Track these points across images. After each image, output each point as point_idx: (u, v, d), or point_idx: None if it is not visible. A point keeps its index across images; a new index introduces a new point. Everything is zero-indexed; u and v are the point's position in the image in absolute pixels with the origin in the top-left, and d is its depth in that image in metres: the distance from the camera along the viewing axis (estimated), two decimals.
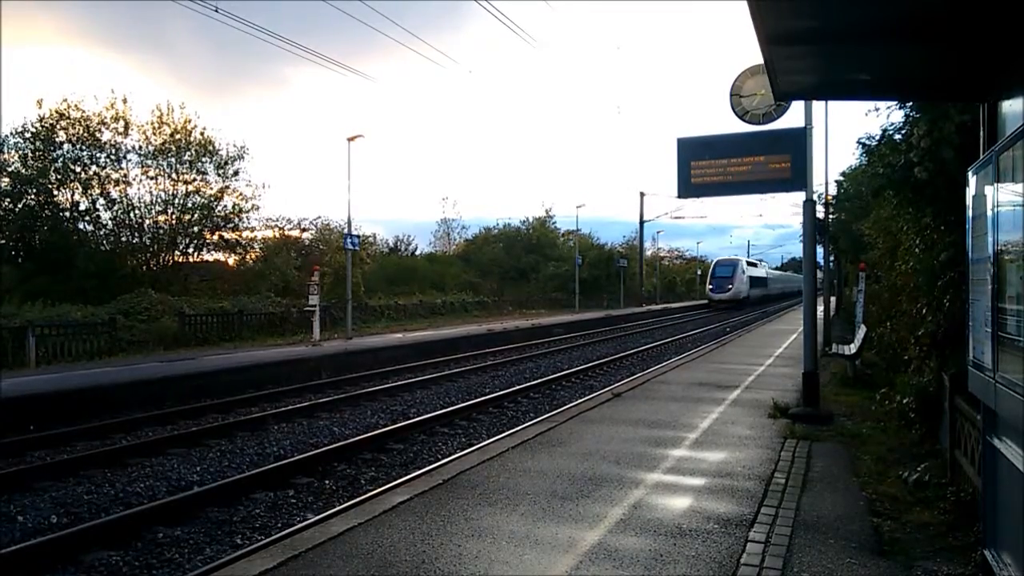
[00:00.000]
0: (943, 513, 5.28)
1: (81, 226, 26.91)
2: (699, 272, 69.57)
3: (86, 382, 12.07)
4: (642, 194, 53.03)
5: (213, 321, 21.59)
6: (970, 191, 4.22)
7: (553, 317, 34.02)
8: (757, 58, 8.97)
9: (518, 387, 13.61)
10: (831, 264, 27.74)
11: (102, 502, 6.95)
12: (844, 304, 28.74)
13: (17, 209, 25.47)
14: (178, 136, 27.73)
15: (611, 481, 6.13)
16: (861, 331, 13.79)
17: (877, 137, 8.14)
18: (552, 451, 7.26)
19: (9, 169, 25.46)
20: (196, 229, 28.69)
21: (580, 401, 10.90)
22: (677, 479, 6.25)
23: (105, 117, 26.48)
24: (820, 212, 16.98)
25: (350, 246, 23.17)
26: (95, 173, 26.46)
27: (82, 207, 26.72)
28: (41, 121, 25.59)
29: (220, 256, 30.71)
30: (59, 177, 26.02)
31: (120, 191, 27.10)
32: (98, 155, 26.52)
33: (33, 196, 25.68)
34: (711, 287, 52.07)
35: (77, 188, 26.38)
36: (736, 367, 14.58)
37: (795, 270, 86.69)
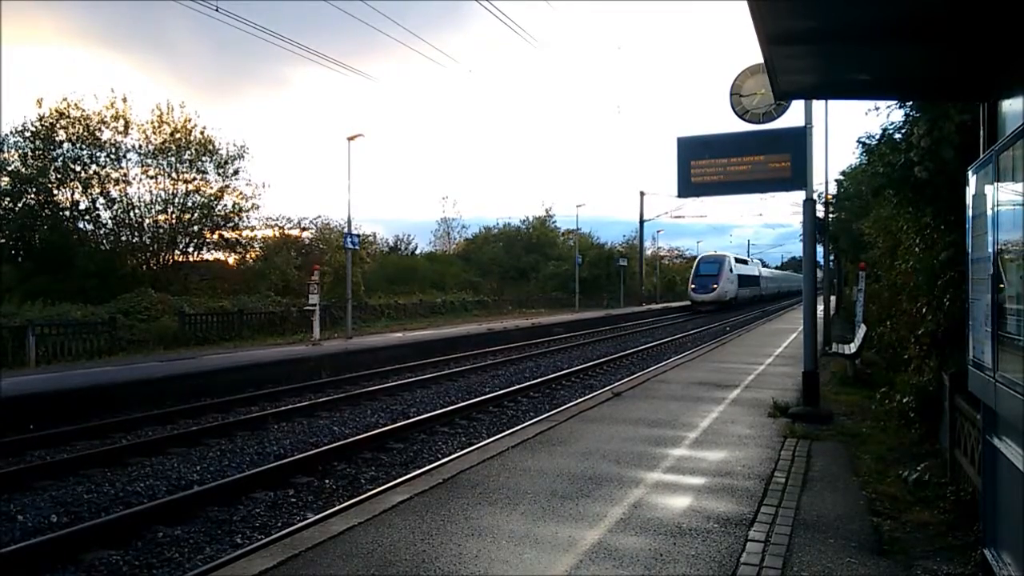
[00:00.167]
0: (943, 512, 5.28)
1: (81, 225, 26.97)
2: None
3: (86, 381, 12.07)
4: (642, 193, 53.07)
5: (213, 320, 21.60)
6: (970, 190, 4.22)
7: (553, 316, 34.02)
8: (757, 58, 8.99)
9: (518, 386, 13.62)
10: (831, 263, 27.75)
11: (102, 501, 6.95)
12: (844, 303, 28.74)
13: (17, 208, 25.50)
14: (178, 135, 27.75)
15: (611, 480, 6.14)
16: (861, 330, 13.79)
17: (877, 136, 8.15)
18: (552, 450, 7.26)
19: (9, 168, 25.48)
20: (196, 228, 28.73)
21: (580, 400, 10.90)
22: (677, 478, 6.25)
23: (105, 116, 26.57)
24: (820, 211, 16.98)
25: (350, 245, 23.17)
26: (95, 172, 26.50)
27: (82, 206, 26.80)
28: (41, 120, 25.63)
29: (220, 255, 30.79)
30: (59, 176, 26.05)
31: (120, 190, 27.16)
32: (98, 154, 26.56)
33: (33, 195, 25.71)
34: (693, 287, 47.17)
35: (77, 187, 26.42)
36: (736, 366, 14.58)
37: (795, 269, 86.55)
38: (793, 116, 18.53)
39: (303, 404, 11.79)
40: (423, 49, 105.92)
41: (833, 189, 20.78)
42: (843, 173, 22.07)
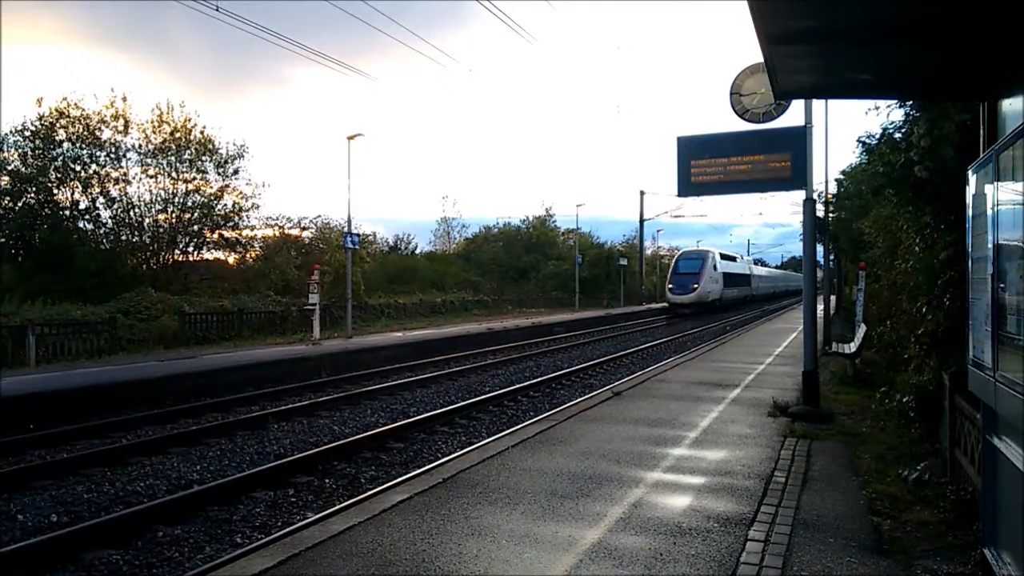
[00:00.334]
0: (943, 512, 5.28)
1: (81, 225, 26.94)
2: None
3: (86, 381, 12.07)
4: (642, 193, 53.06)
5: (213, 320, 21.60)
6: (970, 190, 4.22)
7: (553, 316, 34.02)
8: (757, 57, 8.99)
9: (518, 386, 13.62)
10: (831, 263, 27.74)
11: (102, 501, 6.96)
12: (844, 303, 28.74)
13: (17, 208, 25.49)
14: (178, 135, 27.75)
15: (611, 480, 6.14)
16: (861, 330, 13.79)
17: (877, 136, 8.14)
18: (552, 450, 7.26)
19: (9, 168, 25.47)
20: (196, 228, 28.72)
21: (580, 400, 10.90)
22: (677, 478, 6.25)
23: (105, 116, 26.54)
24: (820, 211, 16.98)
25: (350, 245, 23.17)
26: (95, 172, 26.48)
27: (82, 206, 26.77)
28: (41, 120, 25.61)
29: (220, 255, 30.77)
30: (59, 176, 26.03)
31: (120, 190, 27.15)
32: (98, 154, 26.54)
33: (33, 195, 25.69)
34: (671, 287, 41.37)
35: (77, 187, 26.39)
36: (736, 366, 14.58)
37: (794, 269, 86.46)
38: (793, 116, 18.53)
39: (303, 403, 11.79)
40: (423, 48, 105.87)
41: (833, 189, 20.80)
42: (843, 173, 22.09)
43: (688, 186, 10.57)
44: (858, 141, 8.80)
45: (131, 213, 27.39)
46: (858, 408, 9.88)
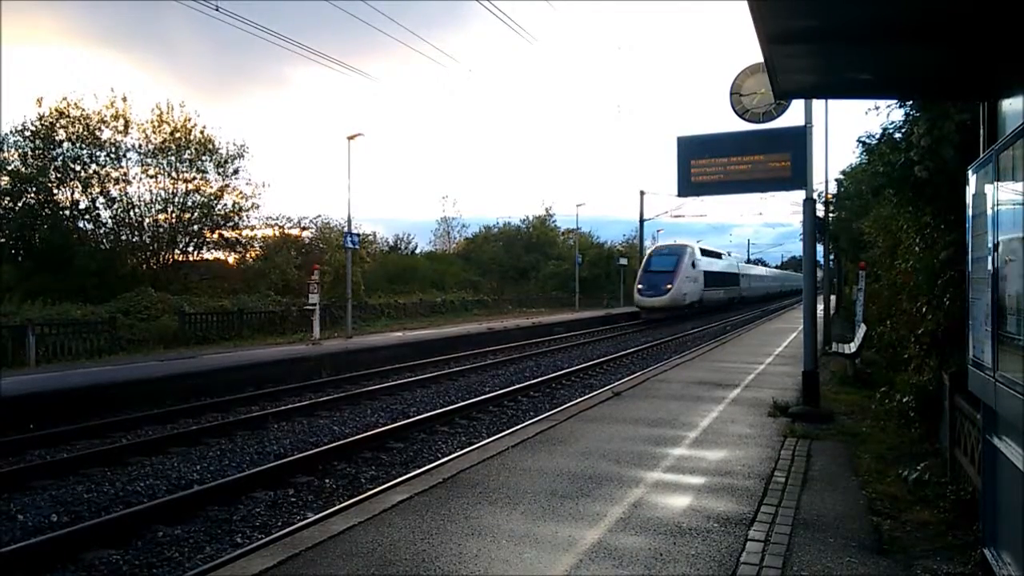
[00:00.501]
0: (943, 512, 5.28)
1: (81, 225, 26.93)
2: None
3: (86, 381, 12.08)
4: (642, 192, 52.98)
5: (213, 320, 21.60)
6: (970, 190, 4.22)
7: (553, 316, 34.01)
8: (757, 57, 8.98)
9: (518, 386, 13.62)
10: (831, 263, 27.74)
11: (102, 501, 6.96)
12: (844, 303, 28.74)
13: (17, 208, 25.47)
14: (178, 135, 27.74)
15: (611, 480, 6.14)
16: (861, 330, 13.79)
17: (877, 136, 8.14)
18: (552, 450, 7.26)
19: (9, 168, 25.46)
20: (196, 228, 28.71)
21: (580, 400, 10.90)
22: (677, 478, 6.25)
23: (105, 116, 26.52)
24: (820, 211, 16.98)
25: (350, 245, 23.17)
26: (95, 172, 26.46)
27: (82, 206, 26.74)
28: (41, 120, 25.60)
29: (220, 255, 30.75)
30: (59, 176, 26.01)
31: (120, 190, 27.13)
32: (98, 154, 26.52)
33: (33, 195, 25.67)
34: (640, 287, 35.24)
35: (77, 187, 26.37)
36: (736, 366, 14.58)
37: (795, 268, 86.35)
38: (793, 115, 18.56)
39: (303, 403, 11.79)
40: (423, 48, 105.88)
41: (833, 188, 20.80)
42: (843, 172, 22.10)
43: (688, 186, 10.57)
44: (858, 141, 8.81)
45: (131, 213, 27.39)
46: (858, 408, 9.88)
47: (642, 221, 54.00)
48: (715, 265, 42.17)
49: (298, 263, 29.05)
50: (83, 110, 26.16)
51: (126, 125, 26.88)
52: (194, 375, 13.42)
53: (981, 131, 4.23)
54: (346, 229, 23.84)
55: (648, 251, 41.26)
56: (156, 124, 27.42)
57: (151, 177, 27.39)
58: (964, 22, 3.59)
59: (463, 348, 20.62)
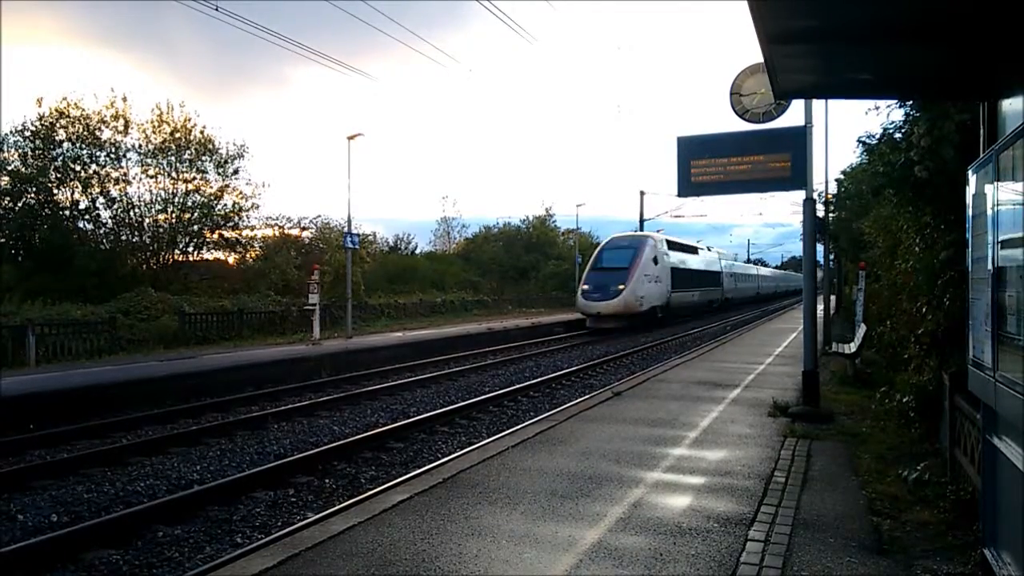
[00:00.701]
0: (943, 512, 5.28)
1: (81, 225, 26.92)
2: None
3: (86, 381, 12.08)
4: (642, 193, 52.89)
5: (213, 320, 21.59)
6: (970, 190, 4.22)
7: (553, 316, 33.99)
8: (757, 57, 8.99)
9: (518, 386, 13.62)
10: (831, 263, 27.74)
11: (102, 501, 6.96)
12: (844, 303, 28.74)
13: (17, 208, 25.46)
14: (178, 135, 27.73)
15: (611, 480, 6.14)
16: (861, 330, 13.79)
17: (877, 136, 8.14)
18: (552, 450, 7.26)
19: (9, 168, 25.46)
20: (196, 228, 28.69)
21: (580, 400, 10.90)
22: (677, 478, 6.25)
23: (105, 116, 26.50)
24: (820, 211, 16.98)
25: (350, 245, 23.17)
26: (95, 172, 26.45)
27: (82, 206, 26.73)
28: (41, 120, 25.59)
29: (220, 255, 30.74)
30: (59, 176, 26.00)
31: (120, 190, 27.12)
32: (98, 154, 26.51)
33: (33, 195, 25.66)
34: (586, 287, 27.60)
35: (77, 187, 26.36)
36: (736, 366, 14.58)
37: (794, 268, 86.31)
38: (793, 116, 18.58)
39: (303, 403, 11.79)
40: (423, 48, 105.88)
41: (833, 189, 20.80)
42: (843, 172, 22.12)
43: (688, 186, 10.57)
44: (858, 141, 8.80)
45: (131, 213, 27.38)
46: (858, 408, 9.87)
47: (642, 221, 53.92)
48: (688, 261, 34.12)
49: (298, 263, 29.05)
50: (83, 110, 26.18)
51: (126, 125, 26.89)
52: (194, 375, 13.42)
53: (981, 131, 4.23)
54: (346, 229, 23.84)
55: (600, 245, 32.43)
56: (156, 124, 27.44)
57: (151, 177, 27.42)
58: (964, 22, 3.59)
59: (463, 348, 20.61)
